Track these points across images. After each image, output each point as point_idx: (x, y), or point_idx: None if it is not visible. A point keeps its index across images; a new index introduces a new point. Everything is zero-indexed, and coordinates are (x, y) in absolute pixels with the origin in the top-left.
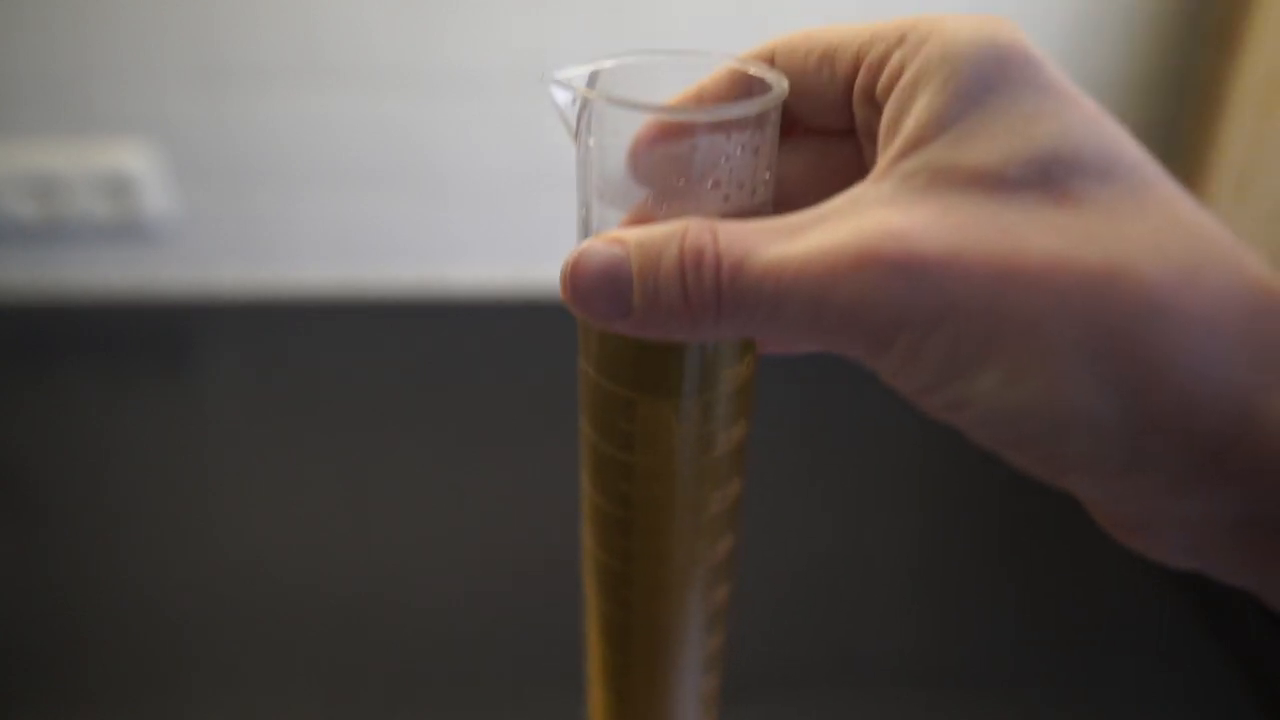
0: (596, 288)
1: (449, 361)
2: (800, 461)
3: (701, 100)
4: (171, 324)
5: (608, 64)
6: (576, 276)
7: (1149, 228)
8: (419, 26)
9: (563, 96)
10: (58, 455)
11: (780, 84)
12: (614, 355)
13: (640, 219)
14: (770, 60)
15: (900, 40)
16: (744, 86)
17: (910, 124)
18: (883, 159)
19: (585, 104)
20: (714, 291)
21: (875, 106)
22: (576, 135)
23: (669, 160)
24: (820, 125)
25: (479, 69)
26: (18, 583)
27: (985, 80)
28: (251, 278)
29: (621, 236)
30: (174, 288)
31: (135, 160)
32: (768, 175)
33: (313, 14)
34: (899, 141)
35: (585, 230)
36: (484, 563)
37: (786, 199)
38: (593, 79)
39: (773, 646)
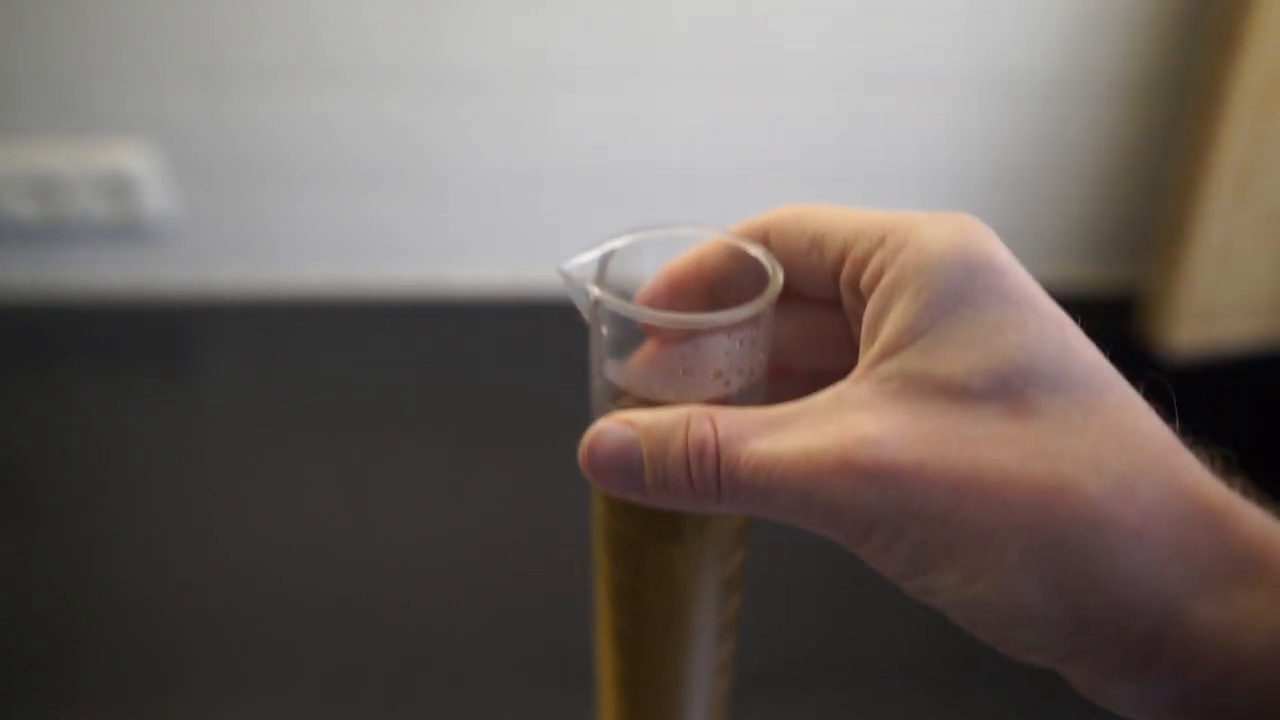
0: (612, 467)
1: (449, 361)
2: None
3: (701, 270)
4: (171, 324)
5: (619, 243)
6: (594, 455)
7: (1091, 442)
8: (419, 26)
9: (576, 289)
10: (58, 455)
11: (775, 280)
12: (624, 504)
13: (649, 401)
14: (765, 237)
15: (881, 241)
16: (741, 261)
17: (888, 329)
18: (863, 359)
19: (599, 301)
20: (714, 480)
21: (858, 295)
22: (590, 319)
23: (675, 354)
24: (810, 295)
25: (479, 69)
26: (18, 583)
27: (955, 292)
28: (251, 278)
29: (633, 420)
30: (174, 288)
31: (135, 160)
32: (763, 357)
33: (313, 14)
34: (878, 345)
35: (597, 399)
36: (484, 563)
37: (780, 354)
38: (604, 261)
39: (775, 646)
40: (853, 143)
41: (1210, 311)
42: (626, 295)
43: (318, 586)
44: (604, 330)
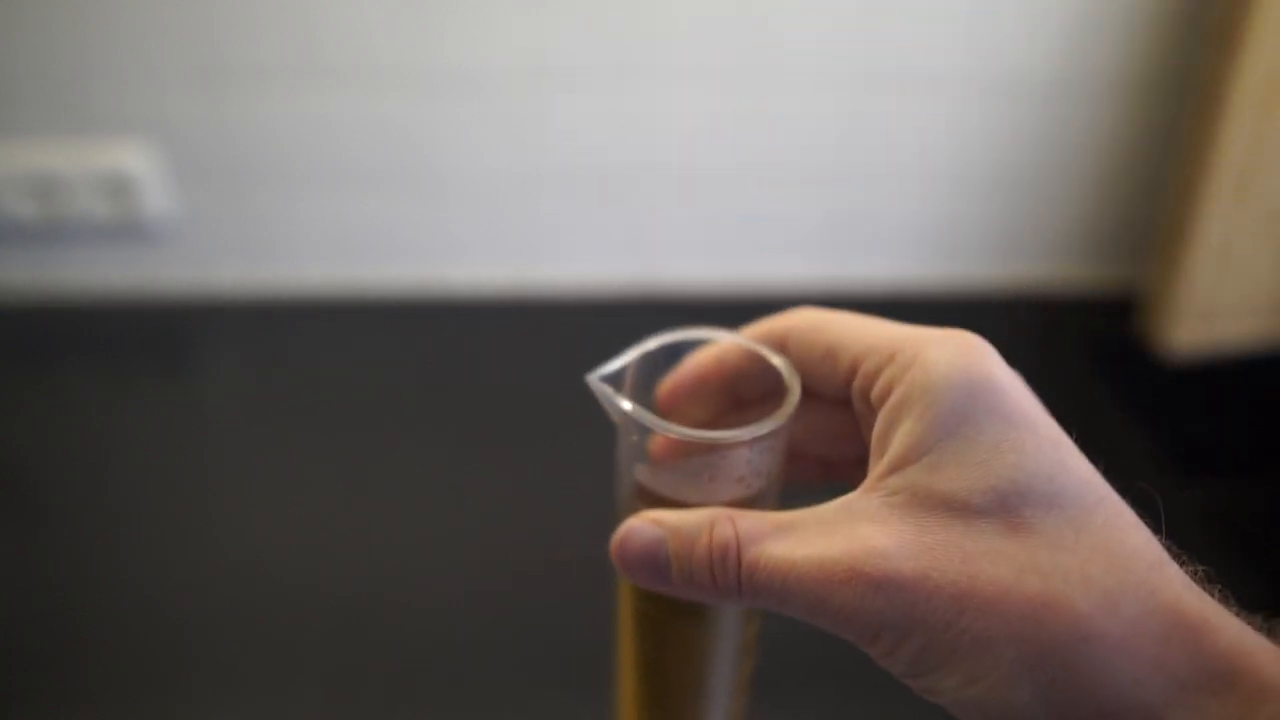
0: (640, 563)
1: (449, 361)
2: None
3: (722, 369)
4: (171, 324)
5: (642, 351)
6: (624, 551)
7: (1081, 559)
8: (419, 26)
9: (608, 400)
10: (58, 455)
11: (793, 393)
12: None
13: (675, 501)
14: (783, 343)
15: (891, 358)
16: (758, 364)
17: (895, 445)
18: (872, 471)
19: (630, 414)
20: (735, 581)
21: (868, 404)
22: (620, 425)
23: (701, 462)
24: (823, 396)
25: (479, 69)
26: (18, 583)
27: (958, 412)
28: (251, 278)
29: (661, 519)
30: (174, 288)
31: (135, 160)
32: (781, 459)
33: (313, 14)
34: (886, 460)
35: (624, 495)
36: (484, 563)
37: (794, 442)
38: (630, 369)
39: (777, 645)
40: (853, 143)
41: (1210, 311)
42: (649, 391)
43: (318, 586)
44: (634, 437)
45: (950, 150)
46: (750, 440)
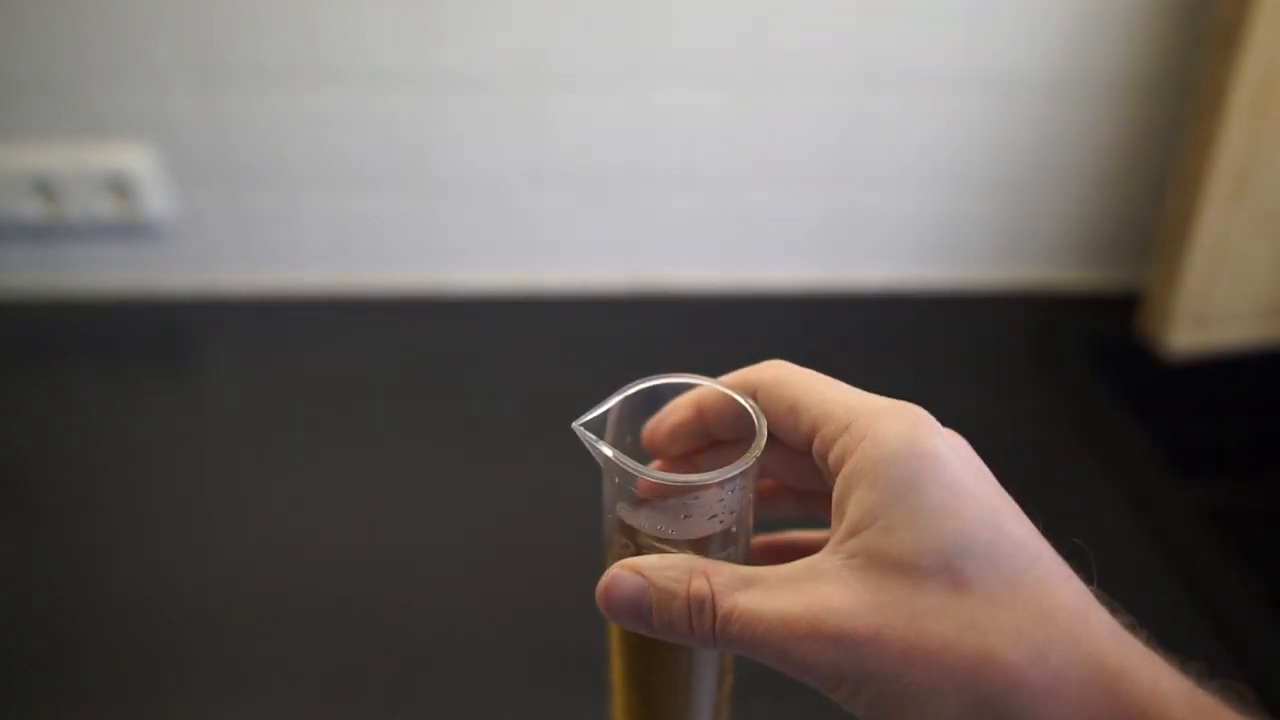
0: (624, 610)
1: (449, 362)
2: None
3: (701, 412)
4: (171, 323)
5: (622, 397)
6: (609, 599)
7: (1014, 615)
8: (419, 27)
9: (592, 446)
10: (58, 455)
11: (761, 436)
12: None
13: (654, 537)
14: (754, 394)
15: (846, 428)
16: (732, 407)
17: (851, 511)
18: (834, 536)
19: (610, 458)
20: (710, 630)
21: (827, 464)
22: (603, 468)
23: (678, 503)
24: (790, 445)
25: (479, 69)
26: (18, 583)
27: (906, 482)
28: (251, 278)
29: (641, 569)
30: (174, 287)
31: (135, 160)
32: (751, 495)
33: (312, 14)
34: (844, 525)
35: (609, 531)
36: (484, 563)
37: (768, 473)
38: (611, 414)
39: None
40: (853, 143)
41: (1209, 312)
42: (634, 431)
43: (318, 586)
44: (616, 480)
45: (950, 150)
46: (721, 482)
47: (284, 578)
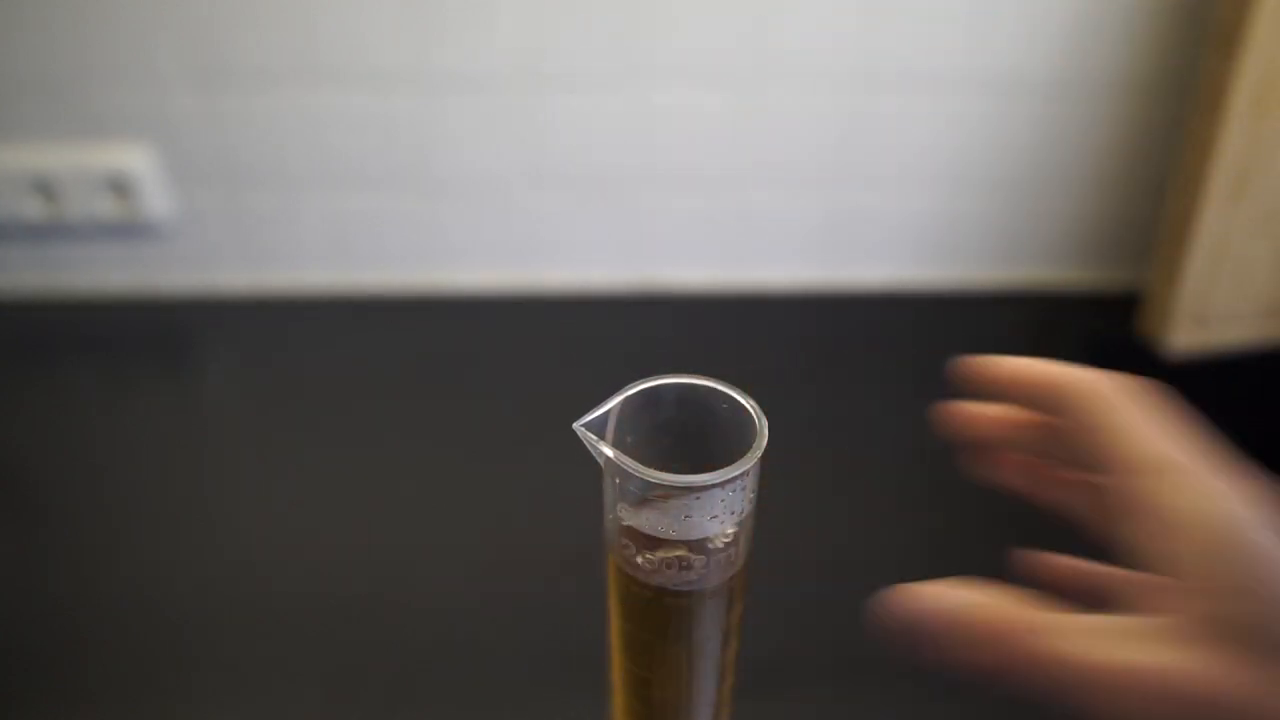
0: (937, 627)
1: (449, 362)
2: (809, 464)
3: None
4: (171, 324)
5: (621, 398)
6: (919, 615)
7: None
8: (419, 27)
9: (593, 447)
10: (58, 455)
11: (761, 435)
12: (638, 609)
13: (653, 537)
14: (1058, 396)
15: (1158, 474)
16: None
17: (1186, 570)
18: (1164, 593)
19: (611, 459)
20: (1030, 666)
21: (1129, 504)
22: (605, 471)
23: (679, 503)
24: (1072, 462)
25: (479, 69)
26: (18, 583)
27: (1242, 549)
28: (251, 278)
29: (958, 594)
30: (174, 287)
31: (135, 160)
32: (752, 495)
33: (312, 15)
34: (1181, 587)
35: (609, 531)
36: (484, 563)
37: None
38: (611, 414)
39: (776, 644)
40: (853, 143)
41: (1209, 312)
42: (634, 432)
43: (318, 586)
44: (616, 480)
45: (950, 150)
46: (722, 482)
47: (284, 578)
